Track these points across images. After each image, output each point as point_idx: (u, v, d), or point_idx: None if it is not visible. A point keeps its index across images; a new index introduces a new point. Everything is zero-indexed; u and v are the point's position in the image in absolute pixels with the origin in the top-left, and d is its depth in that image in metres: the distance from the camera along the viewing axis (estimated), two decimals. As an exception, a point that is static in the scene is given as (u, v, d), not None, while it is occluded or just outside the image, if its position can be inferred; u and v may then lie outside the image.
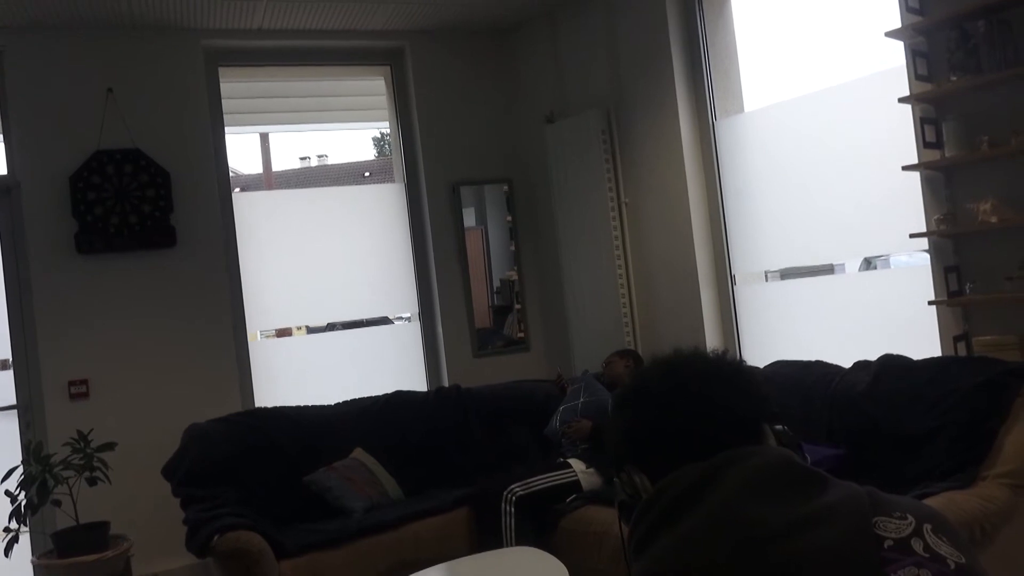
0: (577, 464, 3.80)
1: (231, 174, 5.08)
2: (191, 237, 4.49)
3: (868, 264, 5.75)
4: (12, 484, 3.62)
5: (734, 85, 4.39)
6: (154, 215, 4.38)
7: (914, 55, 3.23)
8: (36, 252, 4.24)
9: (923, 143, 3.23)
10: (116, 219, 4.30)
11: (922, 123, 3.22)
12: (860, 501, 0.95)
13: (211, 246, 4.56)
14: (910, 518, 0.94)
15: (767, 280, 4.35)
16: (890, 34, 3.24)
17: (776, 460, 0.98)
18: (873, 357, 3.29)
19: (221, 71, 4.76)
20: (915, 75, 3.23)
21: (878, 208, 3.59)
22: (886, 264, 5.27)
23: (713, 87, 4.33)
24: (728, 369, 1.10)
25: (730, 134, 4.28)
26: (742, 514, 0.91)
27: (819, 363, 3.52)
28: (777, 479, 0.95)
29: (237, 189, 5.58)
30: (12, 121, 4.28)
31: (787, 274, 4.33)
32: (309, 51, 4.97)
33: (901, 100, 3.25)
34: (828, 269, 4.82)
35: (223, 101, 4.75)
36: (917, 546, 0.91)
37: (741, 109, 4.35)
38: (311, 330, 6.19)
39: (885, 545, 0.91)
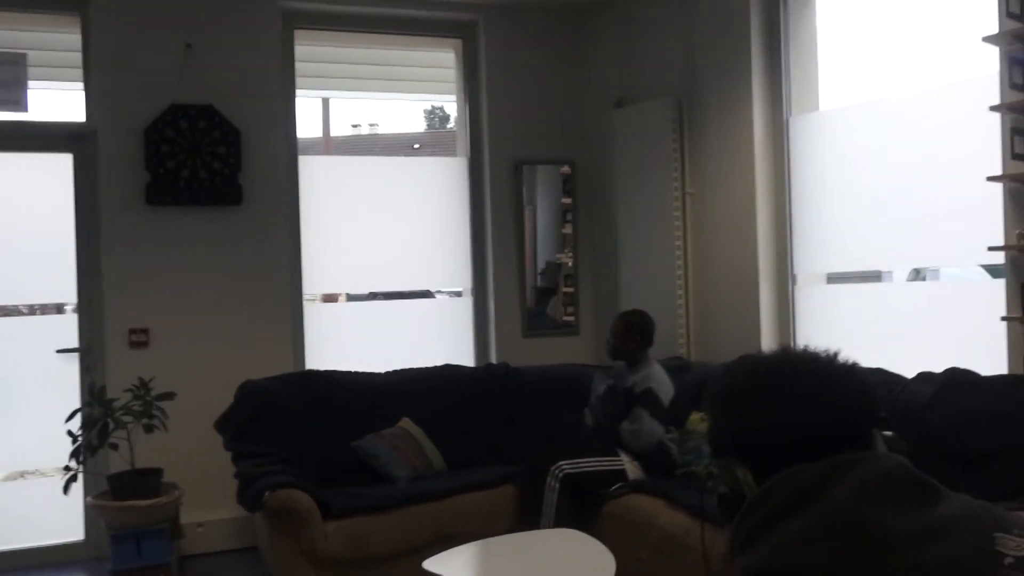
0: (624, 454, 3.79)
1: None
2: (256, 197, 4.53)
3: (916, 274, 5.57)
4: (74, 425, 3.72)
5: (811, 82, 4.29)
6: (223, 172, 4.42)
7: (1010, 63, 3.13)
8: (107, 200, 4.32)
9: (1011, 154, 3.13)
10: (187, 173, 4.35)
11: (1012, 133, 3.13)
12: (980, 515, 0.93)
13: (275, 207, 4.60)
14: (1028, 536, 0.92)
15: (828, 283, 4.28)
16: (987, 39, 3.15)
17: (895, 467, 0.96)
18: (933, 369, 3.22)
19: (296, 33, 4.78)
20: (1009, 83, 3.14)
21: (950, 218, 3.50)
22: (935, 276, 5.12)
23: (791, 83, 4.25)
24: (842, 369, 1.09)
25: (804, 132, 4.20)
26: (862, 519, 0.90)
27: (880, 371, 3.46)
28: (897, 486, 0.94)
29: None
30: (93, 71, 4.35)
31: (845, 278, 4.25)
32: (384, 18, 4.97)
33: (992, 108, 3.16)
34: (876, 276, 4.67)
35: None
36: None
37: (816, 107, 4.26)
38: (350, 297, 6.22)
39: (1005, 562, 0.89)
